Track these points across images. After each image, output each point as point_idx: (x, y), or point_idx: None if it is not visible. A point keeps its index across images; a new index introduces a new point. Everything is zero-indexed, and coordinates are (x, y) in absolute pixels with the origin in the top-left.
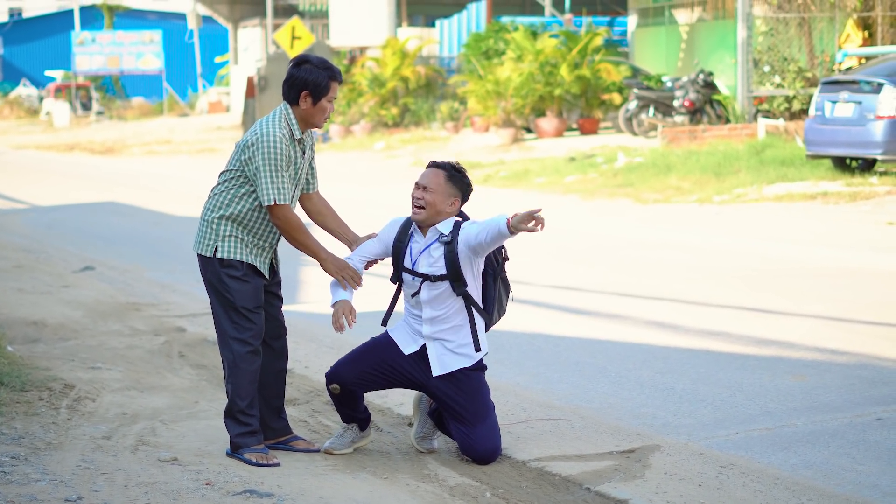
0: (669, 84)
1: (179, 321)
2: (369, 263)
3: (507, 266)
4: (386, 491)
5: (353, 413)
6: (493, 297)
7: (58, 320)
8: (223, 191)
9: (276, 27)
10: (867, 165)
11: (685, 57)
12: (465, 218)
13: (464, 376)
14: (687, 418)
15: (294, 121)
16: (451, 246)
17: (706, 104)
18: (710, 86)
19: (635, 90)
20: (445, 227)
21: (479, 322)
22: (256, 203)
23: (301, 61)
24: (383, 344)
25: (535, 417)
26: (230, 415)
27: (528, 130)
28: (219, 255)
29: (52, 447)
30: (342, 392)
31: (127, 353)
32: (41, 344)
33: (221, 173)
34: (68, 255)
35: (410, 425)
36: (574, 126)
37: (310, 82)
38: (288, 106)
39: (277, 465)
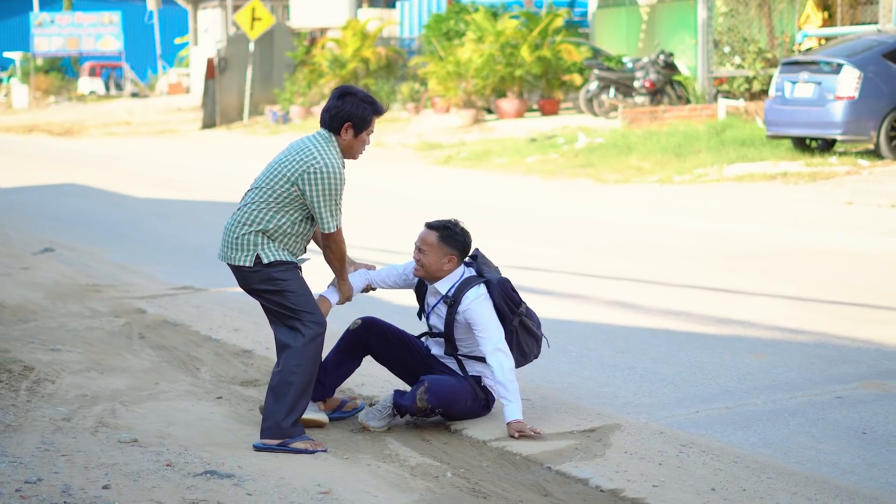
0: (630, 65)
1: (139, 303)
2: (369, 288)
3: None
4: (347, 471)
5: (325, 386)
6: (511, 343)
7: (17, 302)
8: (261, 208)
9: (236, 8)
10: (827, 146)
11: (646, 38)
12: (477, 257)
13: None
14: (647, 397)
15: (338, 150)
16: (452, 309)
17: (666, 85)
18: (671, 66)
19: (596, 71)
20: (444, 286)
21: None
22: (293, 220)
23: (345, 92)
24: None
25: (496, 397)
26: (291, 405)
27: (489, 111)
28: (264, 261)
29: (12, 429)
30: (355, 332)
31: (87, 334)
32: (0, 326)
33: (256, 189)
34: (27, 236)
35: (371, 405)
36: (535, 107)
37: (354, 115)
38: (331, 135)
39: (325, 450)
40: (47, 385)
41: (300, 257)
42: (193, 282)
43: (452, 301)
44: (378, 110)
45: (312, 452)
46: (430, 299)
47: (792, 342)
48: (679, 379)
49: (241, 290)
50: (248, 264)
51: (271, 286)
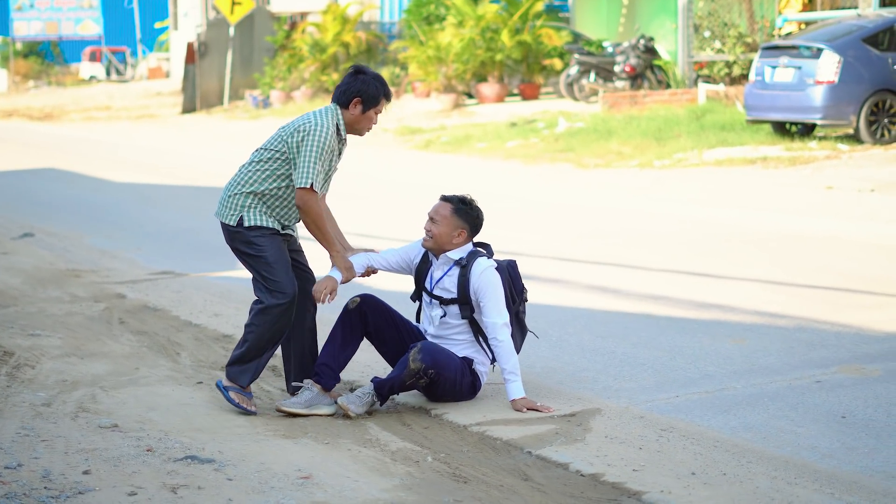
0: (610, 49)
1: (119, 287)
2: (370, 271)
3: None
4: (327, 456)
5: (335, 371)
6: None
7: None
8: (257, 169)
9: None
10: (806, 130)
11: (626, 22)
12: (487, 248)
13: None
14: (627, 382)
15: (342, 122)
16: (465, 270)
17: (647, 69)
18: (651, 51)
19: (576, 55)
20: (456, 254)
21: (481, 352)
22: (285, 185)
23: (358, 71)
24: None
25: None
26: (239, 361)
27: (470, 96)
28: (245, 224)
29: None
30: (355, 310)
31: (67, 319)
32: None
33: (257, 151)
34: (7, 221)
35: (352, 391)
36: (515, 91)
37: (364, 91)
38: (338, 108)
39: (254, 413)
40: (27, 370)
41: (287, 230)
42: (173, 266)
43: (465, 263)
44: (387, 94)
45: (243, 410)
46: (437, 272)
47: (771, 326)
48: (659, 363)
49: (221, 275)
50: (231, 223)
51: (249, 249)
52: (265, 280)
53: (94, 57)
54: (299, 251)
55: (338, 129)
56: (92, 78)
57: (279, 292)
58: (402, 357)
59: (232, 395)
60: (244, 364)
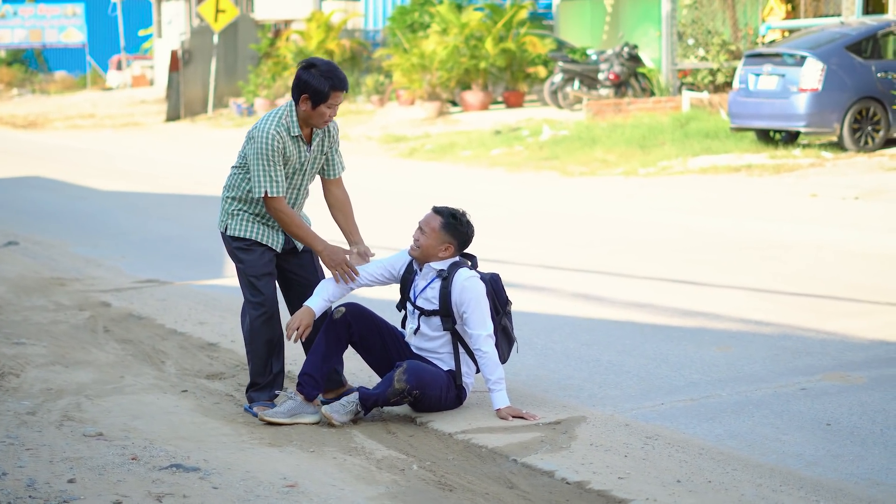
0: (594, 57)
1: (104, 296)
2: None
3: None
4: (313, 464)
5: (318, 382)
6: None
7: None
8: (235, 174)
9: (199, 0)
10: (790, 138)
11: (610, 30)
12: (472, 259)
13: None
14: (613, 390)
15: (294, 118)
16: (446, 282)
17: (631, 77)
18: (635, 59)
19: (560, 63)
20: (439, 265)
21: (466, 361)
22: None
23: (309, 65)
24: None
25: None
26: (250, 381)
27: (454, 104)
28: (228, 233)
29: None
30: (340, 320)
31: (51, 328)
32: None
33: (238, 156)
34: None
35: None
36: (499, 99)
37: (310, 88)
38: (293, 104)
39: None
40: (12, 379)
41: (272, 240)
42: (158, 275)
43: (447, 275)
44: (337, 86)
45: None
46: (421, 282)
47: (756, 334)
48: (644, 371)
49: (206, 283)
50: (221, 229)
51: (233, 258)
52: (245, 290)
53: (120, 65)
54: (312, 265)
55: (289, 128)
56: (118, 86)
57: (257, 303)
58: (388, 374)
59: (255, 408)
60: (258, 391)
